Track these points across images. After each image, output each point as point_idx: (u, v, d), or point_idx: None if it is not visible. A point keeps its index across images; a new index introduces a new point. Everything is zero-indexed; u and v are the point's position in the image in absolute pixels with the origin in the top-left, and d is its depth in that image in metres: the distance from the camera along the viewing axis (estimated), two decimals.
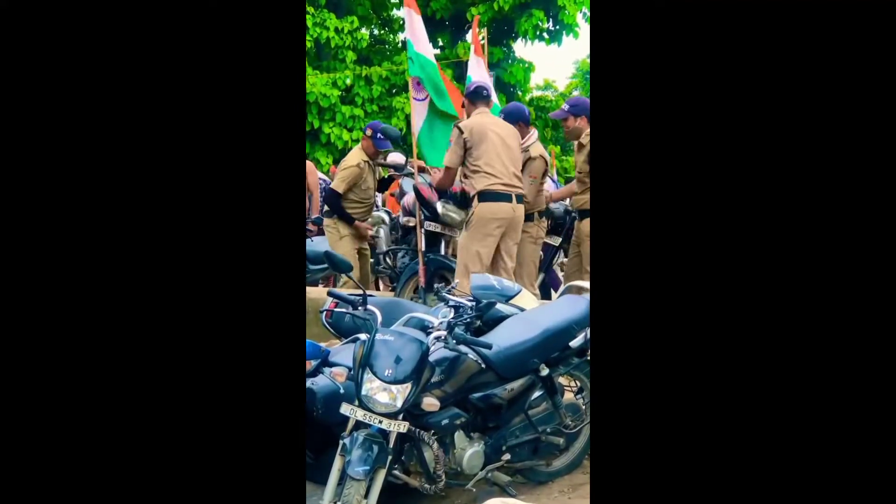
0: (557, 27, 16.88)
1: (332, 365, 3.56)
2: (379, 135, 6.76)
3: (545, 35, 16.84)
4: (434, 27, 17.72)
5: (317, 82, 14.80)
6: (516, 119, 5.99)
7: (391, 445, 3.28)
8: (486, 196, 5.53)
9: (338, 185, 6.70)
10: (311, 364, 3.47)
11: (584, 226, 5.59)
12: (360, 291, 3.67)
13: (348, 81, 15.42)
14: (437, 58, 16.76)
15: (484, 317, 3.84)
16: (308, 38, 15.08)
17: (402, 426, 3.27)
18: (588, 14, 16.05)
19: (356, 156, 6.82)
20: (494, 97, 6.40)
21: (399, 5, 18.24)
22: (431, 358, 3.39)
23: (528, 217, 5.88)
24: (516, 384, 3.76)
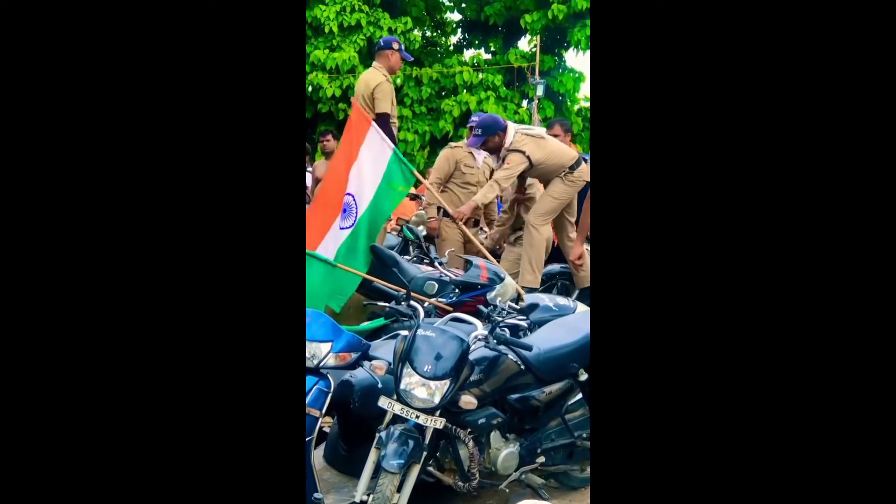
0: None
1: (371, 358, 3.57)
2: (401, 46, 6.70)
3: None
4: (487, 33, 17.79)
5: None
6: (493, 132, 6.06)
7: (427, 441, 3.28)
8: None
9: (384, 108, 6.48)
10: (350, 356, 3.47)
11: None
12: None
13: (398, 81, 15.50)
14: (489, 63, 16.87)
15: (530, 318, 3.84)
16: (361, 36, 15.19)
17: (438, 422, 3.27)
18: None
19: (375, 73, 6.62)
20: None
21: (453, 9, 18.30)
22: (472, 357, 3.39)
23: None
24: (554, 387, 3.75)
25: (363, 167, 5.28)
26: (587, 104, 19.48)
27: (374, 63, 6.69)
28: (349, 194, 5.19)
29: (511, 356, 3.61)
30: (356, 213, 5.19)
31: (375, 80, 6.45)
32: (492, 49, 17.84)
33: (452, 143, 6.82)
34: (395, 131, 6.56)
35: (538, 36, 16.74)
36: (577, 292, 6.24)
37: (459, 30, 19.01)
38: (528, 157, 5.92)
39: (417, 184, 5.91)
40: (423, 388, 3.23)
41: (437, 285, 4.99)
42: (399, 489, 3.20)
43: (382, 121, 6.31)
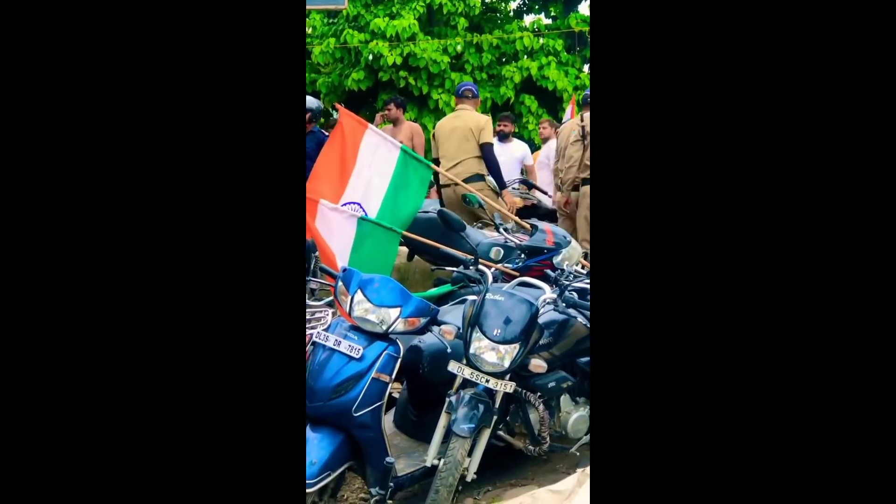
0: None
1: (440, 323, 3.56)
2: None
3: None
4: None
5: (427, 48, 14.79)
6: None
7: (497, 405, 3.29)
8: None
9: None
10: (419, 321, 3.47)
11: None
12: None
13: (459, 48, 15.37)
14: (550, 28, 16.69)
15: None
16: (421, 3, 15.08)
17: (508, 386, 3.27)
18: None
19: None
20: None
21: None
22: (541, 320, 3.37)
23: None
24: None
25: (363, 174, 5.10)
26: None
27: (463, 107, 7.02)
28: (353, 203, 5.05)
29: (580, 319, 3.59)
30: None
31: (484, 119, 6.85)
32: (552, 14, 17.60)
33: (567, 119, 7.11)
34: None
35: None
36: None
37: None
38: None
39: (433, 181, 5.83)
40: (492, 352, 3.23)
41: (502, 251, 4.97)
42: (470, 453, 3.22)
43: (488, 150, 6.68)
